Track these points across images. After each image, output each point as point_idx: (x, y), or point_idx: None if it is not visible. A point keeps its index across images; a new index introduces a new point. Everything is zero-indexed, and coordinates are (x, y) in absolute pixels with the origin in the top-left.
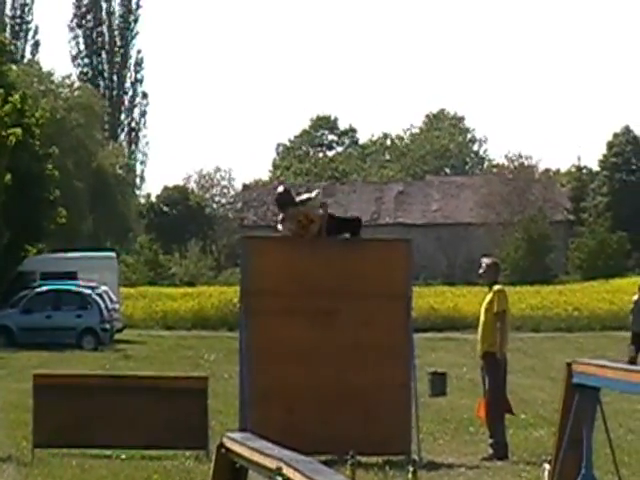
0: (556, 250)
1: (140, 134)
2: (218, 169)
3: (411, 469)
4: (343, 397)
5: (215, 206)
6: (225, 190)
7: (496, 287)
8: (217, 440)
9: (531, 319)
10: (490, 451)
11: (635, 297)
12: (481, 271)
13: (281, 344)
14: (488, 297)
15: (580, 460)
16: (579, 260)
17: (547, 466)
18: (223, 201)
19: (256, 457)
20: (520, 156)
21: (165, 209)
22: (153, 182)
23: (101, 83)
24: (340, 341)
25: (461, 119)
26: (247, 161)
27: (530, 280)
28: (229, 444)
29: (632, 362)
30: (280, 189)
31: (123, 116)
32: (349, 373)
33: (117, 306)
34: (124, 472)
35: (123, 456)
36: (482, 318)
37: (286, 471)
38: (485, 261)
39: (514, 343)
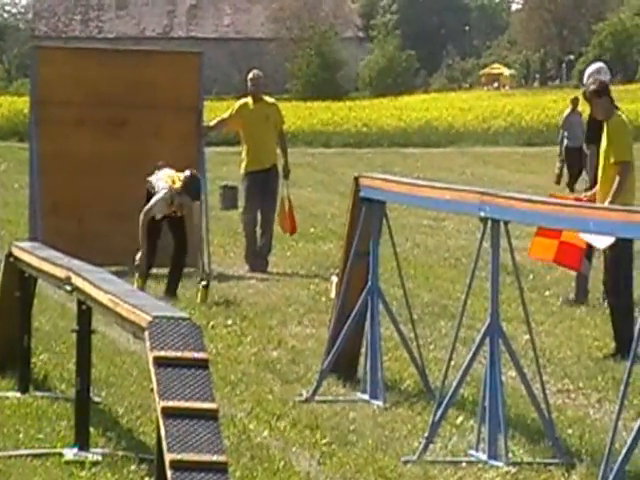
0: (346, 67)
1: None
2: None
3: (204, 283)
4: (133, 209)
5: (6, 16)
6: (16, 0)
7: (269, 99)
8: (6, 249)
9: (322, 134)
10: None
11: (567, 111)
12: (252, 85)
13: (70, 155)
14: (266, 109)
15: (367, 273)
16: (369, 77)
17: (335, 278)
18: (14, 11)
19: (45, 266)
20: None
21: None
22: None
23: None
24: (130, 152)
25: None
26: None
27: (321, 96)
28: (18, 253)
29: (560, 179)
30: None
31: None
32: (139, 185)
33: None
34: None
35: None
36: (265, 131)
37: (75, 280)
38: (255, 73)
39: (304, 158)
